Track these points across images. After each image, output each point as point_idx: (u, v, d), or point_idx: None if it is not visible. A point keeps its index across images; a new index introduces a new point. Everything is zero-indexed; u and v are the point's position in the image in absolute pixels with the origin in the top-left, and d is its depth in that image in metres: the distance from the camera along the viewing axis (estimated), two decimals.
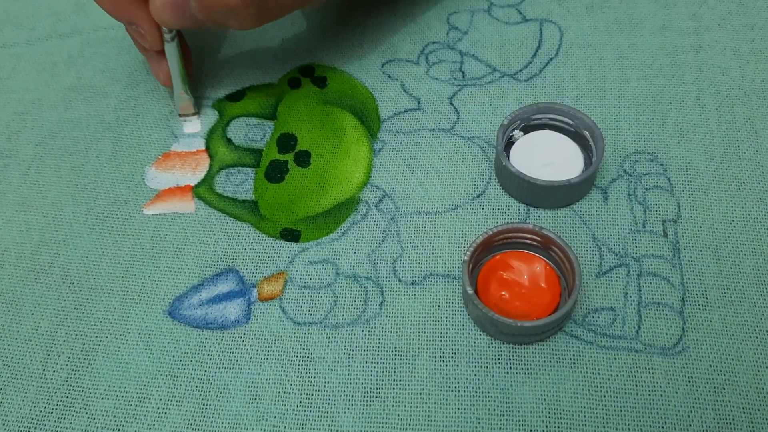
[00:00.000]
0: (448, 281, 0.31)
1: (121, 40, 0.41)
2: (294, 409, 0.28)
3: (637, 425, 0.27)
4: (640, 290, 0.30)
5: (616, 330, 0.29)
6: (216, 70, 0.39)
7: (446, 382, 0.29)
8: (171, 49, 0.34)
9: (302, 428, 0.28)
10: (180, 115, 0.37)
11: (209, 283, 0.32)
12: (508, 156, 0.33)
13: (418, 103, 0.37)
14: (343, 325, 0.30)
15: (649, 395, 0.28)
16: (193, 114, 0.37)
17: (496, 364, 0.29)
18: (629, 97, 0.36)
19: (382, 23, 0.40)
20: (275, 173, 0.35)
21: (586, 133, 0.33)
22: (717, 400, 0.28)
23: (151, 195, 0.35)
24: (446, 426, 0.28)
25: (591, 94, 0.36)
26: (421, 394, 0.28)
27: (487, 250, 0.31)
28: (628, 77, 0.37)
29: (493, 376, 0.29)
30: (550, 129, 0.34)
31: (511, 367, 0.29)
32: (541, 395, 0.28)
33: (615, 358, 0.29)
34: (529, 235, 0.30)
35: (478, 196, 0.33)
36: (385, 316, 0.30)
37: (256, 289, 0.31)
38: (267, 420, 0.28)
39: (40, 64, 0.41)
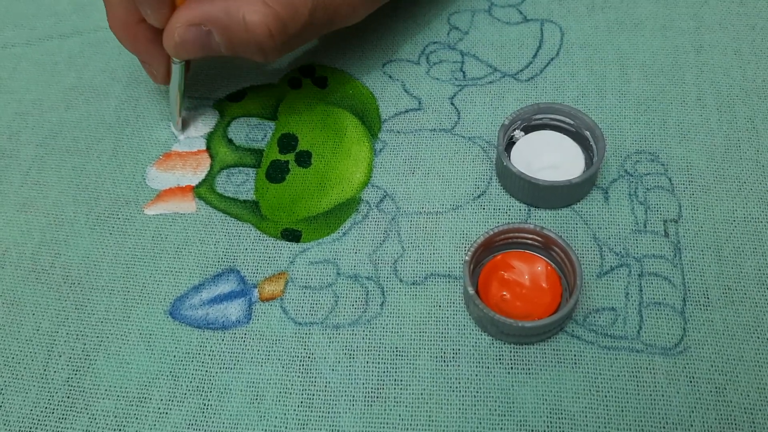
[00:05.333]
0: (449, 281, 0.31)
1: None
2: (295, 410, 0.28)
3: (639, 425, 0.27)
4: (641, 290, 0.30)
5: (617, 330, 0.29)
6: (216, 70, 0.39)
7: (447, 383, 0.29)
8: (176, 71, 0.34)
9: (303, 428, 0.28)
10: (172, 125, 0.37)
11: (210, 284, 0.32)
12: (509, 156, 0.33)
13: (419, 103, 0.37)
14: (344, 325, 0.30)
15: (651, 395, 0.28)
16: (178, 131, 0.37)
17: (497, 364, 0.29)
18: (630, 97, 0.36)
19: (382, 23, 0.40)
20: (276, 173, 0.35)
21: (587, 133, 0.33)
22: (718, 401, 0.28)
23: (152, 195, 0.35)
24: (447, 426, 0.28)
25: (592, 94, 0.36)
26: (422, 394, 0.28)
27: (488, 250, 0.31)
28: (629, 77, 0.37)
29: (494, 376, 0.29)
30: (551, 129, 0.34)
31: (512, 368, 0.29)
32: (543, 395, 0.28)
33: (616, 359, 0.29)
34: (530, 235, 0.30)
35: (479, 196, 0.33)
36: (386, 316, 0.30)
37: (257, 290, 0.31)
38: (268, 420, 0.28)
39: (41, 65, 0.41)
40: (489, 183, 0.34)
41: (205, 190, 0.35)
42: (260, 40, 0.31)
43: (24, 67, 0.41)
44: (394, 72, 0.38)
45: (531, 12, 0.40)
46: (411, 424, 0.28)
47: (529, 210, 0.33)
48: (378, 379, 0.29)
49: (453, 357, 0.29)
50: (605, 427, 0.27)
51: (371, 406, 0.28)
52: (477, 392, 0.28)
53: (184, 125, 0.37)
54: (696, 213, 0.32)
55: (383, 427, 0.28)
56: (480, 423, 0.28)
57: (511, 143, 0.34)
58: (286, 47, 0.32)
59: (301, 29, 0.31)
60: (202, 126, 0.37)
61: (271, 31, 0.30)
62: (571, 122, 0.34)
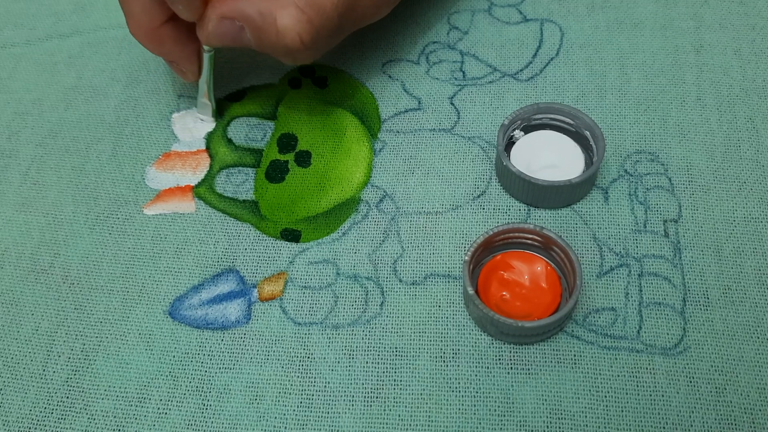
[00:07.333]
0: (448, 281, 0.31)
1: (122, 40, 0.41)
2: (294, 410, 0.28)
3: (638, 425, 0.27)
4: (641, 290, 0.30)
5: (617, 330, 0.29)
6: (217, 70, 0.39)
7: (447, 383, 0.29)
8: (207, 59, 0.34)
9: (303, 428, 0.28)
10: (198, 113, 0.37)
11: (209, 284, 0.32)
12: (508, 156, 0.33)
13: (419, 103, 0.37)
14: (343, 325, 0.30)
15: (651, 395, 0.28)
16: (212, 119, 0.37)
17: (496, 364, 0.29)
18: (630, 96, 0.36)
19: (382, 23, 0.40)
20: (276, 173, 0.35)
21: (587, 133, 0.33)
22: (718, 401, 0.28)
23: (152, 195, 0.35)
24: (447, 426, 0.28)
25: (592, 94, 0.36)
26: (421, 394, 0.28)
27: (488, 250, 0.31)
28: (628, 77, 0.37)
29: (493, 376, 0.29)
30: (550, 129, 0.34)
31: (511, 368, 0.29)
32: (542, 395, 0.28)
33: (616, 359, 0.29)
34: (530, 235, 0.30)
35: (478, 196, 0.33)
36: (386, 316, 0.30)
37: (256, 290, 0.31)
38: (267, 420, 0.28)
39: (41, 64, 0.41)
40: (489, 183, 0.34)
41: (204, 190, 0.35)
42: (290, 45, 0.30)
43: (24, 67, 0.41)
44: (394, 72, 0.38)
45: (531, 12, 0.40)
46: (410, 425, 0.28)
47: (529, 210, 0.33)
48: (377, 379, 0.29)
49: (452, 357, 0.29)
50: (605, 427, 0.27)
51: (371, 406, 0.28)
52: (476, 392, 0.28)
53: (214, 113, 0.37)
54: (696, 213, 0.32)
55: (383, 427, 0.28)
56: (480, 423, 0.28)
57: (510, 143, 0.34)
58: (315, 52, 0.32)
59: (330, 33, 0.31)
60: (202, 126, 0.37)
61: (301, 37, 0.30)
62: (571, 122, 0.34)
